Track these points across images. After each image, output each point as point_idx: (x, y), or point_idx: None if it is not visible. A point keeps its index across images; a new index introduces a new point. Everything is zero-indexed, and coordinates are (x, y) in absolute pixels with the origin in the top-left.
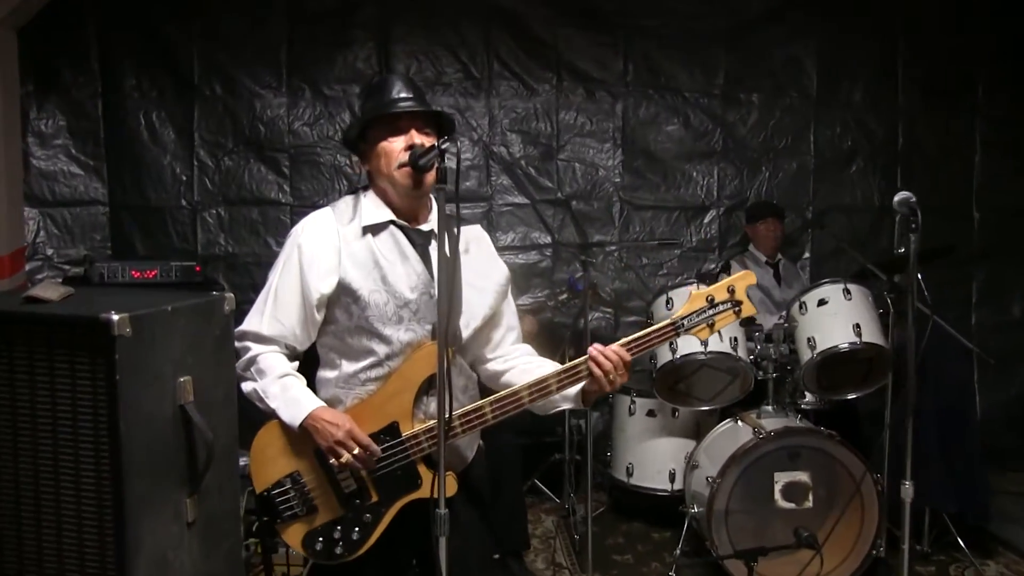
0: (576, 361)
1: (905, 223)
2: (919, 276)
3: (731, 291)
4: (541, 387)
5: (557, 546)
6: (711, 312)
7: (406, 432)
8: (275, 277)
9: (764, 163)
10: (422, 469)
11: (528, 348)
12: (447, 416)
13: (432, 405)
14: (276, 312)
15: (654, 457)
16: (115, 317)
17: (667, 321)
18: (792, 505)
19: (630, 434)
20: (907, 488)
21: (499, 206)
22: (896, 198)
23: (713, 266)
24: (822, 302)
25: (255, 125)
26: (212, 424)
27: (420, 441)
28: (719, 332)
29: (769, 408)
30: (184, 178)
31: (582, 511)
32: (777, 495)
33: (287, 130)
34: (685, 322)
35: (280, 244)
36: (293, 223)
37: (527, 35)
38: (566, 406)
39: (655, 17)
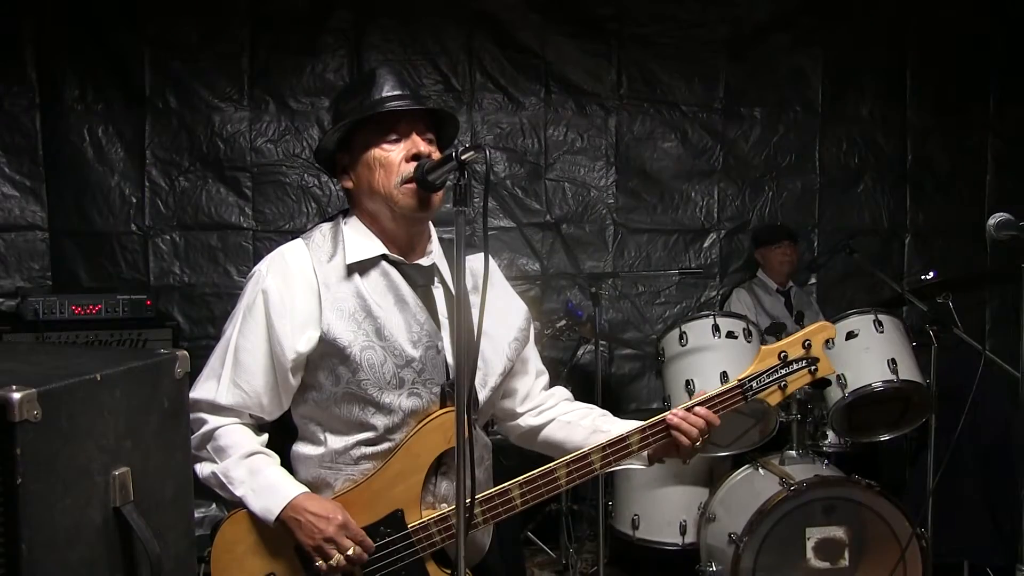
0: (649, 430)
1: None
2: (950, 306)
3: (807, 346)
4: (581, 466)
5: None
6: (784, 372)
7: (413, 523)
8: (233, 331)
9: (767, 183)
10: (432, 568)
11: (564, 392)
12: (467, 502)
13: (445, 487)
14: (236, 376)
15: (663, 508)
16: (15, 395)
17: (732, 383)
18: (826, 564)
19: (636, 483)
20: None
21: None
22: (995, 220)
23: (715, 293)
24: (851, 335)
25: (213, 141)
26: (160, 530)
27: (431, 533)
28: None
29: (793, 453)
30: (134, 200)
31: (580, 566)
32: (809, 553)
33: (249, 147)
34: (754, 384)
35: (242, 273)
36: (256, 249)
37: (513, 44)
38: (625, 466)
39: (652, 24)
